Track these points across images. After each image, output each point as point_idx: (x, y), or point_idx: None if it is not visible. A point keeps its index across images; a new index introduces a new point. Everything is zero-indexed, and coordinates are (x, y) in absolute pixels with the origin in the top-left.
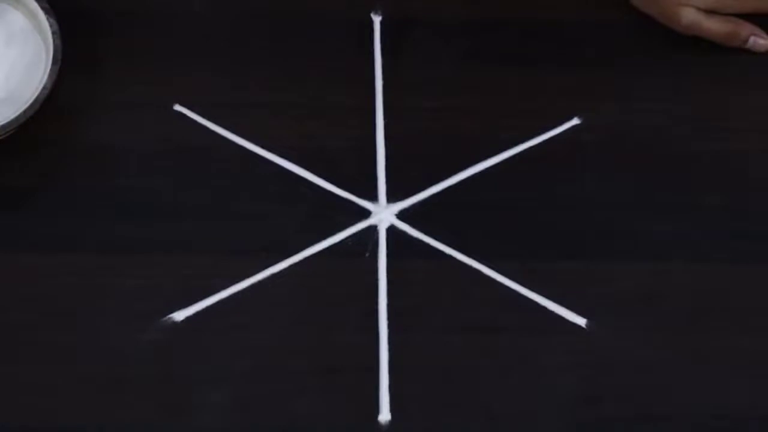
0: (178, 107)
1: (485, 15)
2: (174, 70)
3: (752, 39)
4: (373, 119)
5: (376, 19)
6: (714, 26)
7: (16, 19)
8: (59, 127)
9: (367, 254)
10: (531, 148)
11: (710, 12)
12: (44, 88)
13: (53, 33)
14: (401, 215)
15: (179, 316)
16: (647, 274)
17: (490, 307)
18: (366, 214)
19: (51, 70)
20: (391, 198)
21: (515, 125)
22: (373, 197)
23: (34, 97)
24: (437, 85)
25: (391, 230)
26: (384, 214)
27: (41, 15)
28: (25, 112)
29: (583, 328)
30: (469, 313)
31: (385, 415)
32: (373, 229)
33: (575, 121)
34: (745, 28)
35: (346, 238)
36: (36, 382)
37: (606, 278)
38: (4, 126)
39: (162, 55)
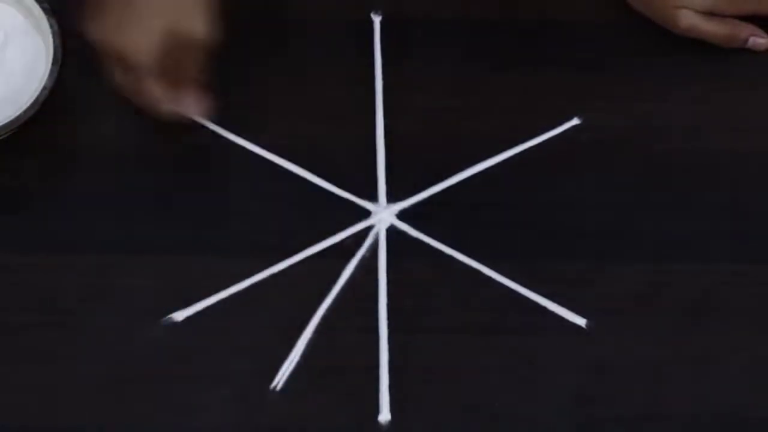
0: None
1: (485, 15)
2: None
3: (752, 39)
4: (373, 119)
5: (376, 19)
6: (713, 28)
7: (16, 19)
8: (59, 127)
9: (367, 254)
10: (531, 148)
11: (708, 14)
12: (44, 88)
13: (53, 33)
14: (401, 215)
15: (179, 316)
16: (647, 274)
17: (490, 307)
18: (366, 214)
19: (51, 70)
20: (391, 198)
21: (515, 125)
22: (373, 197)
23: (34, 97)
24: (437, 85)
25: (391, 230)
26: (384, 214)
27: (41, 15)
28: (25, 112)
29: (583, 328)
30: (469, 313)
31: (385, 415)
32: (373, 229)
33: (575, 121)
34: (744, 29)
35: (346, 238)
36: (36, 382)
37: (606, 278)
38: (4, 126)
39: None
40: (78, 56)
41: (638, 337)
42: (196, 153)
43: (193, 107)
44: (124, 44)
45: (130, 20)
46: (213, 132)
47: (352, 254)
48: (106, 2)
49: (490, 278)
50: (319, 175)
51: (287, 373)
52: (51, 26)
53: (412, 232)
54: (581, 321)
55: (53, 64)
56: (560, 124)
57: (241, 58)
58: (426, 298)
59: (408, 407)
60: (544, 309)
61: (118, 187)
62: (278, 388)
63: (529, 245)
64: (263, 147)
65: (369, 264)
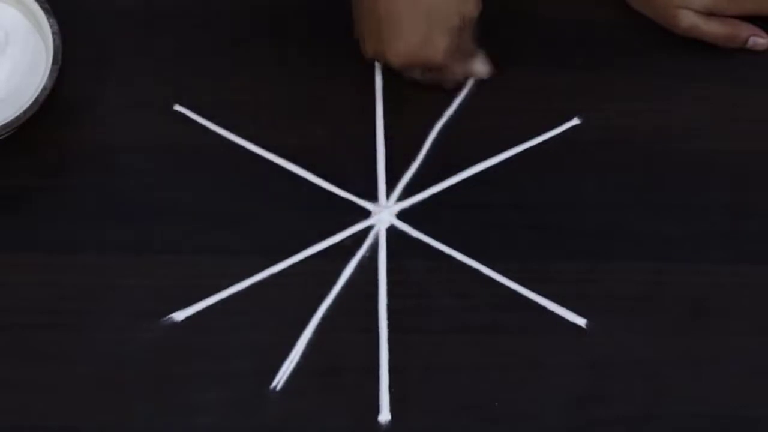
0: (178, 107)
1: (485, 15)
2: (174, 70)
3: (752, 39)
4: (373, 119)
5: None
6: (713, 29)
7: (16, 19)
8: (59, 127)
9: (367, 254)
10: (531, 148)
11: (708, 14)
12: (44, 88)
13: (53, 33)
14: (401, 215)
15: (179, 316)
16: (647, 274)
17: (489, 307)
18: (366, 214)
19: (51, 70)
20: (391, 198)
21: (515, 125)
22: (373, 197)
23: (34, 97)
24: (437, 85)
25: (391, 230)
26: (384, 214)
27: (41, 15)
28: (25, 112)
29: (583, 328)
30: (469, 313)
31: (385, 415)
32: (373, 229)
33: (575, 121)
34: (744, 29)
35: (346, 238)
36: (36, 382)
37: (606, 278)
38: (4, 126)
39: (162, 55)
40: (78, 56)
41: (638, 337)
42: (197, 153)
43: (482, 71)
44: (431, 56)
45: (432, 33)
46: (213, 132)
47: (352, 254)
48: (402, 26)
49: (490, 278)
50: (319, 175)
51: (287, 373)
52: (51, 26)
53: (412, 232)
54: (581, 321)
55: (53, 64)
56: (560, 124)
57: (242, 58)
58: (426, 298)
59: (408, 407)
60: (544, 309)
61: (118, 186)
62: (278, 388)
63: (530, 245)
64: (263, 147)
65: (369, 264)
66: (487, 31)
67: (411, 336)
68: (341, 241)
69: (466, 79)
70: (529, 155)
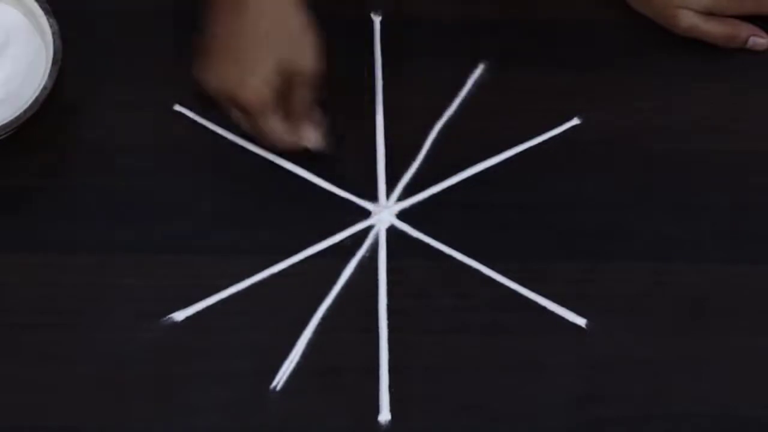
0: (178, 107)
1: (485, 15)
2: (174, 70)
3: (752, 39)
4: (373, 119)
5: (376, 19)
6: (713, 29)
7: (16, 19)
8: (59, 127)
9: (367, 254)
10: (531, 148)
11: (708, 14)
12: (44, 88)
13: (53, 33)
14: (401, 215)
15: (179, 316)
16: (647, 274)
17: (489, 307)
18: (366, 214)
19: (51, 70)
20: (391, 198)
21: (515, 125)
22: (373, 197)
23: (34, 97)
24: (437, 85)
25: (391, 230)
26: (384, 214)
27: (41, 15)
28: (25, 112)
29: (583, 328)
30: (469, 313)
31: (385, 415)
32: (373, 229)
33: (575, 121)
34: (744, 29)
35: (346, 238)
36: (36, 382)
37: (606, 278)
38: (4, 126)
39: (162, 55)
40: (78, 56)
41: (638, 337)
42: (196, 153)
43: (311, 138)
44: (237, 90)
45: (242, 65)
46: (213, 132)
47: (352, 254)
48: (216, 50)
49: (490, 278)
50: (319, 175)
51: (287, 373)
52: (51, 26)
53: (412, 232)
54: (581, 321)
55: (53, 64)
56: (560, 124)
57: None
58: (426, 298)
59: (408, 407)
60: (544, 309)
61: (118, 186)
62: (278, 388)
63: (529, 245)
64: (263, 147)
65: (369, 264)
66: (488, 32)
67: (411, 336)
68: (341, 241)
69: (297, 145)
70: (529, 155)
